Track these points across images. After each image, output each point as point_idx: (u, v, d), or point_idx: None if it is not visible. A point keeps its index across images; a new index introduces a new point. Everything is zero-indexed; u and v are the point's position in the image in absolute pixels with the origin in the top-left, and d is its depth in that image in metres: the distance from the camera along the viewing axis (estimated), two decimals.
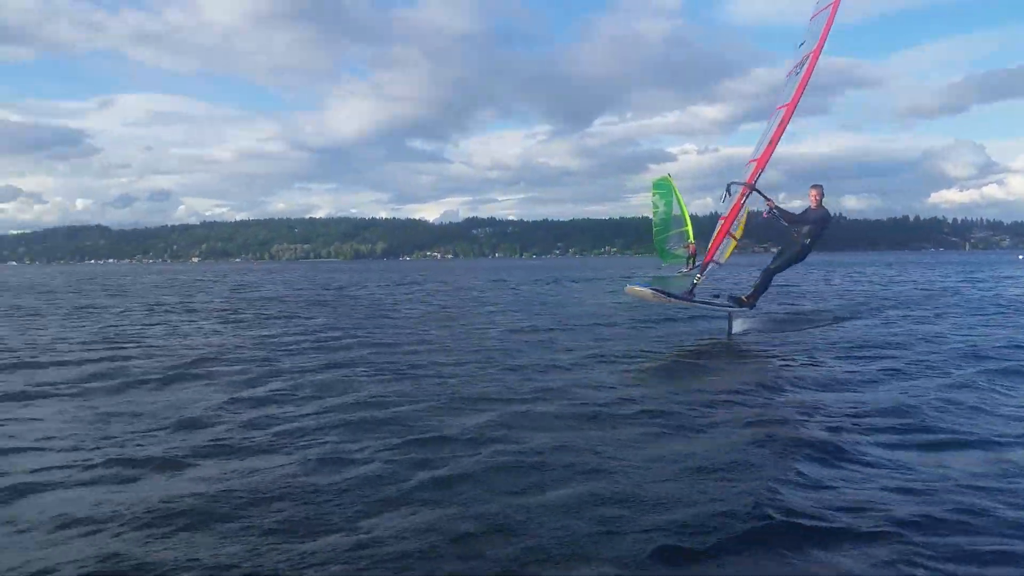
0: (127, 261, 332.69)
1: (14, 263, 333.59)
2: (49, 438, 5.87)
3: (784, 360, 9.37)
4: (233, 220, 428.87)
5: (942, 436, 5.57)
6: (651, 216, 45.20)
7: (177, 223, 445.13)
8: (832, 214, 11.06)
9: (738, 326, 11.83)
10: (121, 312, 19.37)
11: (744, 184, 10.98)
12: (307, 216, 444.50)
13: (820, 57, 10.56)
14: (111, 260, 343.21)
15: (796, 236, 10.95)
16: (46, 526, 4.02)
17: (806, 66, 10.73)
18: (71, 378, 8.58)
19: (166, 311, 19.64)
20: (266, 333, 13.43)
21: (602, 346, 10.62)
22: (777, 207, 10.71)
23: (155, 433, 6.02)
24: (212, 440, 5.75)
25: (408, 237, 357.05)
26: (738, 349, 10.60)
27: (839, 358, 9.35)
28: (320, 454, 5.29)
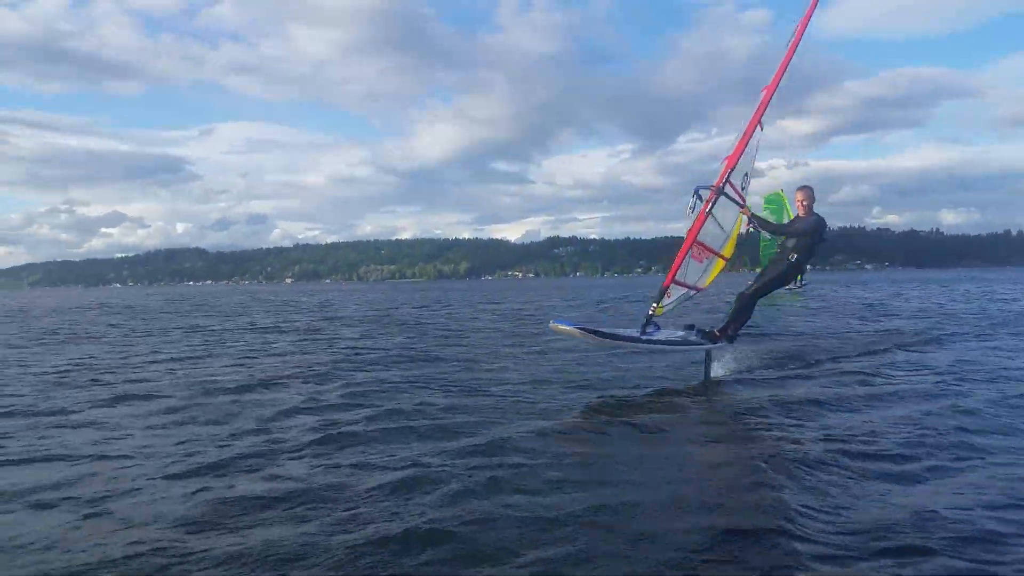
0: (224, 282, 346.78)
1: (118, 285, 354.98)
2: (140, 445, 6.36)
3: (844, 378, 9.15)
4: (324, 243, 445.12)
5: (970, 461, 5.45)
6: (753, 232, 45.13)
7: (272, 246, 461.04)
8: (827, 223, 9.22)
9: (719, 367, 9.78)
10: (212, 330, 20.45)
11: (712, 188, 9.02)
12: (393, 238, 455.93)
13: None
14: (208, 281, 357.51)
15: (781, 251, 9.37)
16: (139, 522, 4.42)
17: (791, 42, 9.03)
18: (161, 389, 9.19)
19: (255, 329, 20.59)
20: (345, 349, 13.96)
21: (677, 363, 10.51)
22: (756, 216, 9.23)
23: (237, 438, 6.46)
24: (288, 445, 6.12)
25: (490, 257, 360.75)
26: (811, 362, 10.30)
27: (900, 376, 9.15)
28: (387, 462, 5.58)
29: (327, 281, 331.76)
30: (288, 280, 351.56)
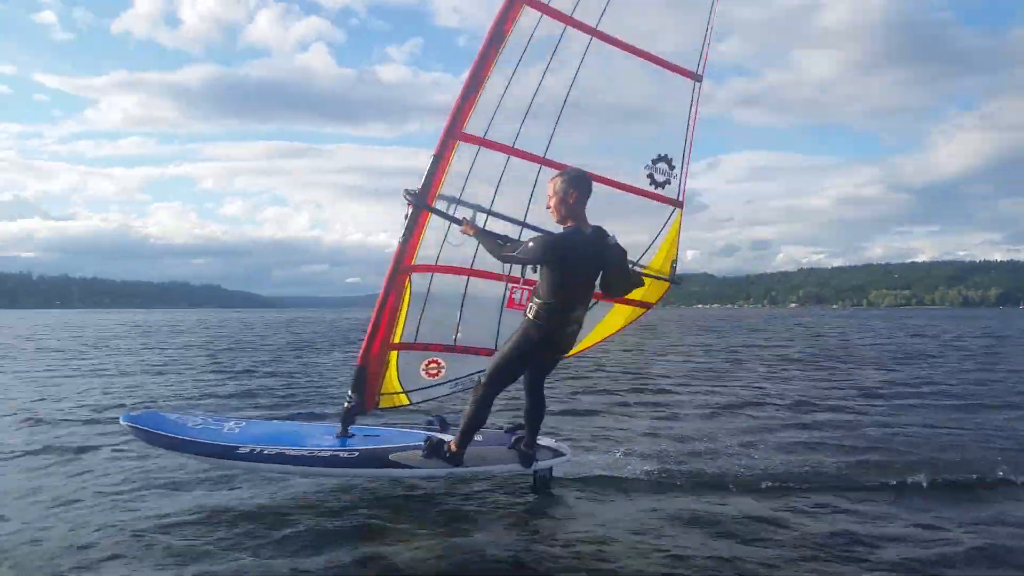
0: (728, 305, 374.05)
1: None
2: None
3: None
4: (829, 267, 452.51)
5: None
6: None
7: (775, 270, 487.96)
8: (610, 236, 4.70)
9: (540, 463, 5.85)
10: (698, 350, 23.10)
11: (410, 195, 5.41)
12: (907, 260, 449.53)
13: None
14: (715, 304, 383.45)
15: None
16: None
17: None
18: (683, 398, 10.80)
19: (736, 355, 21.60)
20: (818, 384, 13.23)
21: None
22: (480, 231, 5.23)
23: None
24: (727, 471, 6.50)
25: None
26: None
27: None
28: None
29: (834, 306, 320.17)
30: (792, 305, 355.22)
